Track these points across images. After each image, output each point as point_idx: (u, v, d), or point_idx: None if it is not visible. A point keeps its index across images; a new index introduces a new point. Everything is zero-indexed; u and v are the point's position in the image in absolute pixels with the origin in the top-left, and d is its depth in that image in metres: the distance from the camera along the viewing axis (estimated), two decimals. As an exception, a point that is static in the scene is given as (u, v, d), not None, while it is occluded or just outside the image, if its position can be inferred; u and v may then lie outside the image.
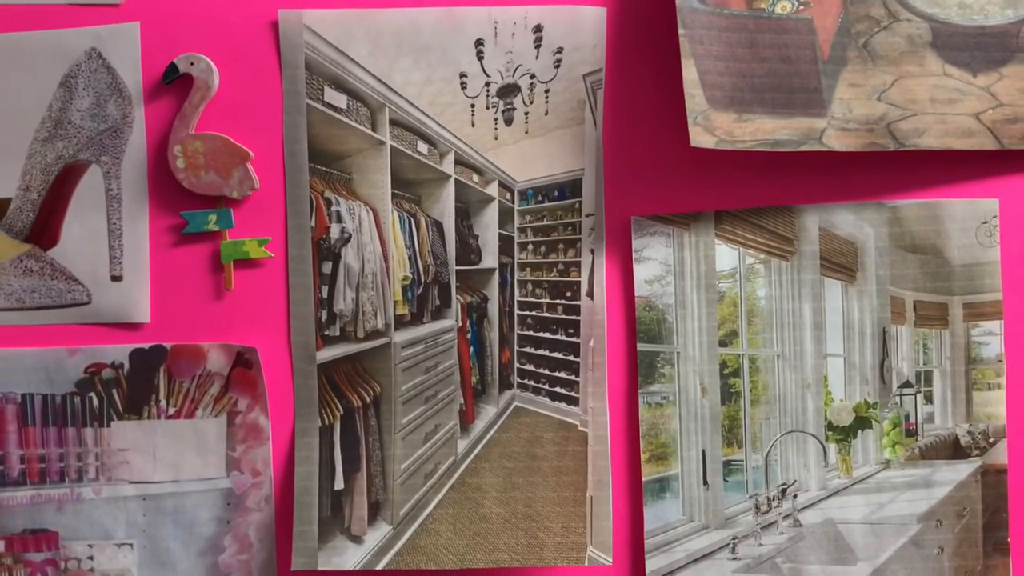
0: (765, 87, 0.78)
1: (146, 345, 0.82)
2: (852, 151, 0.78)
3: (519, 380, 0.85)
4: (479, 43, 0.82)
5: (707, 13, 0.78)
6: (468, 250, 0.86)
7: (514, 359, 0.85)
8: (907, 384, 0.83)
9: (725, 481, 0.83)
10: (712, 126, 0.78)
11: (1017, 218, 0.82)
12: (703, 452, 0.83)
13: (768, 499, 0.83)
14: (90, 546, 0.82)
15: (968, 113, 0.79)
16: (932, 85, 0.79)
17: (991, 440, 0.82)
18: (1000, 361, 0.82)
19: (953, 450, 0.83)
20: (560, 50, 0.82)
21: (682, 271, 0.83)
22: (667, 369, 0.83)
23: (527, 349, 0.85)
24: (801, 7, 0.79)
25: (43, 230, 0.83)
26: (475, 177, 0.86)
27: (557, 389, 0.84)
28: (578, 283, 0.83)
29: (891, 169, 0.82)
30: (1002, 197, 0.82)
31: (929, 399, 0.83)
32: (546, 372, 0.84)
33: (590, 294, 0.83)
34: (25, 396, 0.82)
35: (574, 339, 0.83)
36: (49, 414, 0.82)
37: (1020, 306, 0.82)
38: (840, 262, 0.83)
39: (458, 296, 0.85)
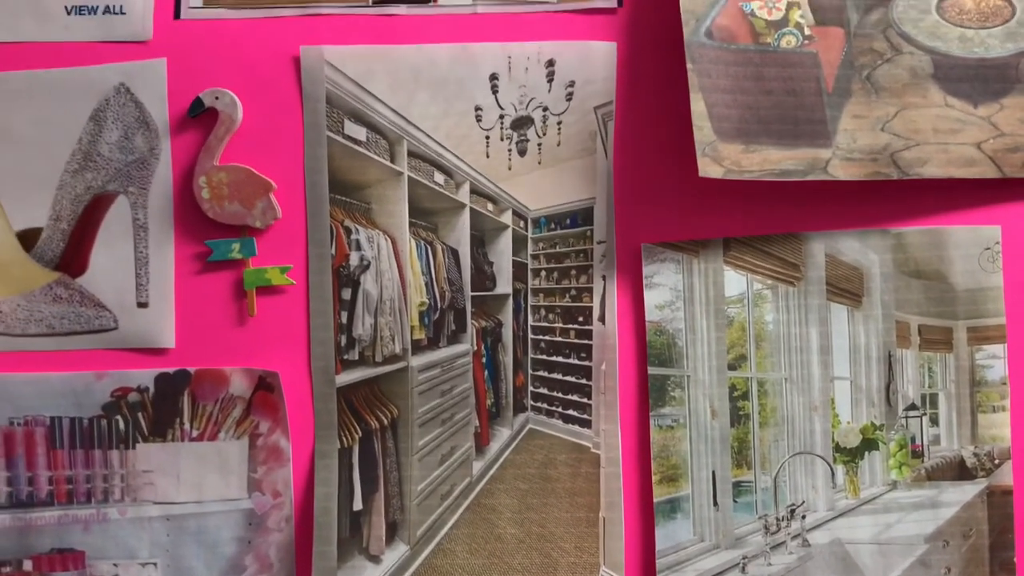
0: (771, 119, 0.79)
1: (171, 369, 0.83)
2: (857, 180, 0.79)
3: (533, 403, 0.86)
4: (494, 77, 0.83)
5: (714, 48, 0.79)
6: (483, 276, 0.87)
7: (528, 382, 0.86)
8: (913, 407, 0.84)
9: (735, 502, 0.83)
10: (720, 157, 0.78)
11: (1019, 244, 0.82)
12: (713, 473, 0.83)
13: (777, 519, 0.83)
14: (115, 565, 0.82)
15: (970, 143, 0.79)
16: (934, 116, 0.80)
17: (996, 462, 0.82)
18: (1004, 384, 0.82)
19: (959, 471, 0.83)
20: (572, 83, 0.83)
21: (691, 296, 0.83)
22: (677, 392, 0.83)
23: (540, 373, 0.85)
24: (806, 41, 0.80)
25: (72, 258, 0.84)
26: (490, 206, 0.87)
27: (570, 412, 0.84)
28: (590, 308, 0.84)
29: (895, 197, 0.83)
30: (1004, 224, 0.82)
31: (935, 421, 0.83)
32: (559, 395, 0.85)
33: (602, 319, 0.83)
34: (54, 419, 0.83)
35: (586, 363, 0.84)
36: (77, 437, 0.83)
37: (1023, 330, 0.82)
38: (846, 287, 0.84)
39: (473, 321, 0.86)
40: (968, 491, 0.82)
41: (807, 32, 0.80)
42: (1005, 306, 0.82)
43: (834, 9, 0.81)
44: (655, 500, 0.82)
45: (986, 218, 0.82)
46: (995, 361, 0.82)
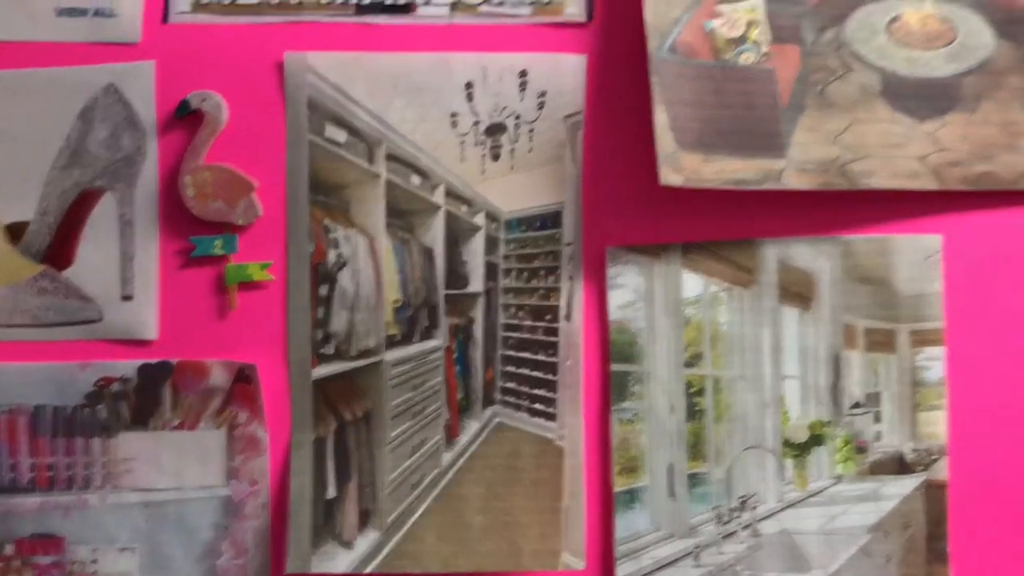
0: (730, 131, 0.77)
1: (153, 361, 0.79)
2: (809, 190, 0.77)
3: (501, 397, 0.82)
4: (469, 86, 0.80)
5: (677, 63, 0.77)
6: (456, 275, 0.83)
7: (497, 378, 0.82)
8: (858, 405, 0.82)
9: (690, 493, 0.80)
10: (680, 166, 0.76)
11: (958, 252, 0.80)
12: (670, 466, 0.80)
13: (729, 510, 0.80)
14: (94, 551, 0.78)
15: (914, 156, 0.78)
16: (882, 130, 0.78)
17: (933, 457, 0.80)
18: (942, 384, 0.80)
19: (900, 466, 0.81)
20: (543, 93, 0.80)
21: (652, 297, 0.81)
22: (638, 388, 0.80)
23: (509, 368, 0.82)
24: (763, 58, 0.78)
25: (59, 252, 0.80)
26: (464, 208, 0.83)
27: (536, 406, 0.81)
28: (557, 307, 0.81)
29: (844, 207, 0.80)
30: (945, 233, 0.80)
31: (878, 419, 0.81)
32: (526, 390, 0.82)
33: (568, 317, 0.80)
34: (37, 408, 0.78)
35: (553, 359, 0.81)
36: (60, 425, 0.78)
37: (961, 333, 0.80)
38: (797, 291, 0.82)
39: (446, 318, 0.83)
40: (907, 485, 0.80)
41: (765, 49, 0.78)
42: (944, 311, 0.80)
43: (791, 28, 0.79)
44: (615, 491, 0.79)
45: (928, 227, 0.81)
46: (934, 363, 0.81)
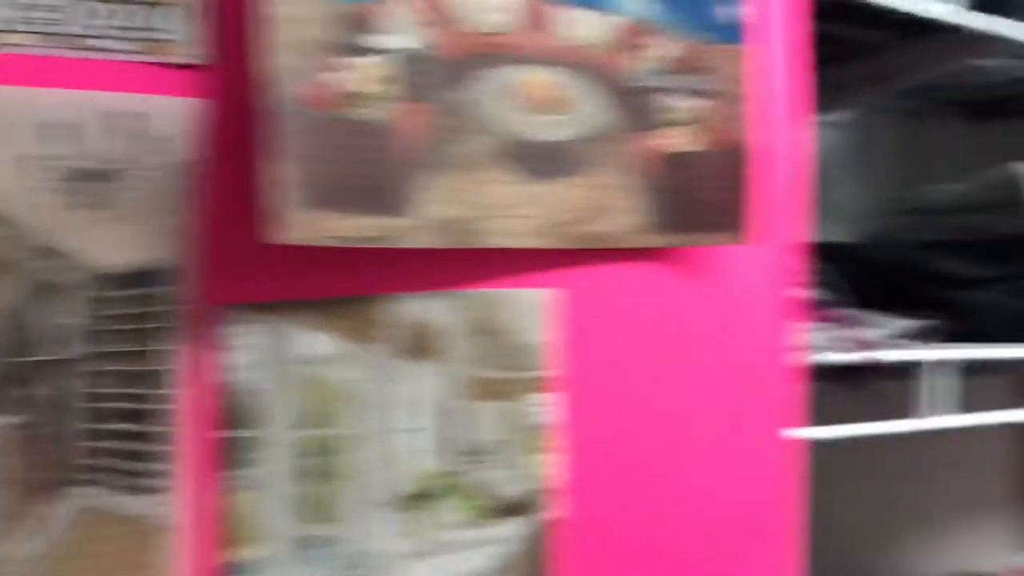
0: (352, 187, 0.74)
1: None
2: (434, 248, 0.77)
3: (92, 476, 0.72)
4: (65, 125, 0.69)
5: (295, 115, 0.72)
6: (39, 340, 0.72)
7: (88, 454, 0.72)
8: (478, 452, 0.83)
9: (313, 557, 0.76)
10: (301, 222, 0.72)
11: (572, 306, 0.85)
12: (291, 531, 0.76)
13: (354, 570, 0.78)
14: None
15: (537, 216, 0.81)
16: (506, 191, 0.80)
17: (543, 499, 0.84)
18: (550, 428, 0.85)
19: (516, 509, 0.83)
20: (152, 138, 0.72)
21: (273, 358, 0.75)
22: (256, 453, 0.75)
23: (102, 443, 0.72)
24: (390, 115, 0.76)
25: None
26: (51, 263, 0.72)
27: (135, 482, 0.72)
28: (164, 372, 0.73)
29: (470, 263, 0.81)
30: (562, 288, 0.85)
31: (497, 465, 0.83)
32: (123, 466, 0.72)
33: (177, 383, 0.73)
34: None
35: (156, 430, 0.72)
36: None
37: (571, 381, 0.85)
38: (422, 345, 0.81)
39: (24, 389, 0.71)
40: (524, 525, 0.83)
41: (392, 106, 0.76)
42: (557, 360, 0.84)
43: (418, 86, 0.78)
44: (230, 562, 0.73)
45: (548, 282, 0.84)
46: (545, 408, 0.84)
